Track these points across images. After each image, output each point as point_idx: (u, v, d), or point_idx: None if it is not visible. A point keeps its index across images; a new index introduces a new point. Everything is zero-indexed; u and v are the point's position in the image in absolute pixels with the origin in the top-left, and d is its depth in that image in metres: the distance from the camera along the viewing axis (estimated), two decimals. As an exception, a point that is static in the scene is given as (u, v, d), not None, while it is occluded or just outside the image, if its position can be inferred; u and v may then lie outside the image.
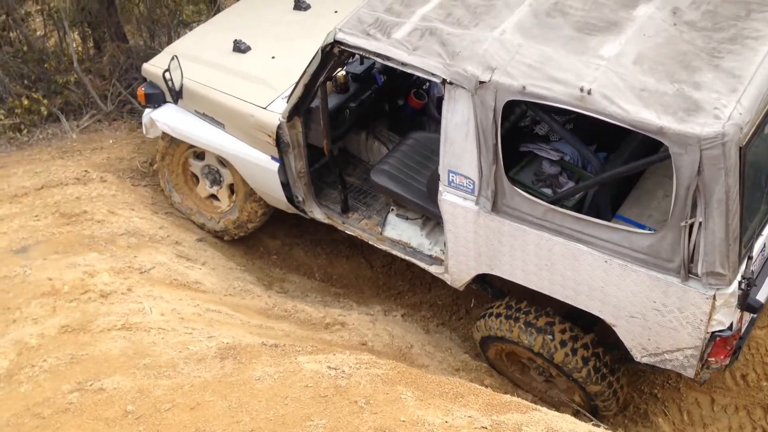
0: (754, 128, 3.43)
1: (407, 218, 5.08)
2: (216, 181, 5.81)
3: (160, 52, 8.42)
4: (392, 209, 5.16)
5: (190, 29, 9.92)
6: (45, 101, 7.36)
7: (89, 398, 3.59)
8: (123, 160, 6.31)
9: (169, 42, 9.24)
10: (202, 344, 4.17)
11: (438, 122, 5.60)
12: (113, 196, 5.71)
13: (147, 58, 7.95)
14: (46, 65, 7.93)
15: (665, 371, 4.71)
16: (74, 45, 7.74)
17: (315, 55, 4.51)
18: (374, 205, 5.39)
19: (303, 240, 6.22)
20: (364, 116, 5.40)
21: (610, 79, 3.61)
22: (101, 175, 5.92)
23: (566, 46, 3.85)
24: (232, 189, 5.74)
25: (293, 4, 6.09)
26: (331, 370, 3.62)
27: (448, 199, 4.31)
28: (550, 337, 4.43)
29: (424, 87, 5.70)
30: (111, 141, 6.66)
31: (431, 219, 4.98)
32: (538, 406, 3.36)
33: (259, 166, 5.22)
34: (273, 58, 5.48)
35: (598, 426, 3.57)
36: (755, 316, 4.21)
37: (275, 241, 6.15)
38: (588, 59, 3.74)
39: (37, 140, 7.07)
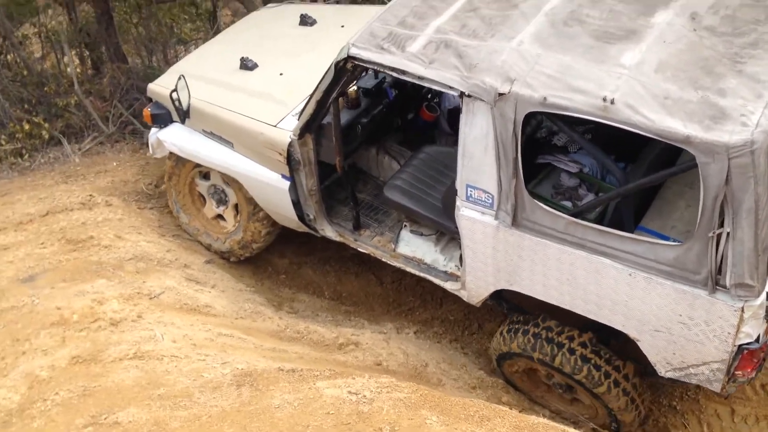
0: None
1: (421, 234, 5.00)
2: (222, 201, 5.74)
3: (158, 71, 8.43)
4: (405, 225, 5.08)
5: (189, 47, 9.94)
6: (46, 125, 7.30)
7: (104, 432, 3.52)
8: (128, 182, 6.25)
9: (166, 61, 9.22)
10: (217, 371, 4.09)
11: (449, 135, 5.56)
12: (119, 220, 5.65)
13: (147, 78, 7.92)
14: (45, 88, 7.89)
15: (684, 384, 4.65)
16: (74, 67, 7.67)
17: (327, 70, 4.44)
18: (386, 221, 5.31)
19: (311, 258, 6.16)
20: (374, 131, 5.32)
21: (632, 88, 3.55)
22: (106, 199, 5.86)
23: (586, 55, 3.79)
24: (237, 209, 5.67)
25: (298, 19, 6.04)
26: (351, 395, 3.54)
27: (467, 214, 4.23)
28: (569, 352, 4.35)
29: (435, 100, 5.64)
30: (115, 163, 6.60)
31: (445, 234, 4.91)
32: (566, 427, 3.28)
33: (270, 184, 5.14)
34: (281, 74, 5.43)
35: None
36: None
37: (283, 261, 6.08)
38: (609, 68, 3.68)
39: (40, 165, 7.01)
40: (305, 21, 6.01)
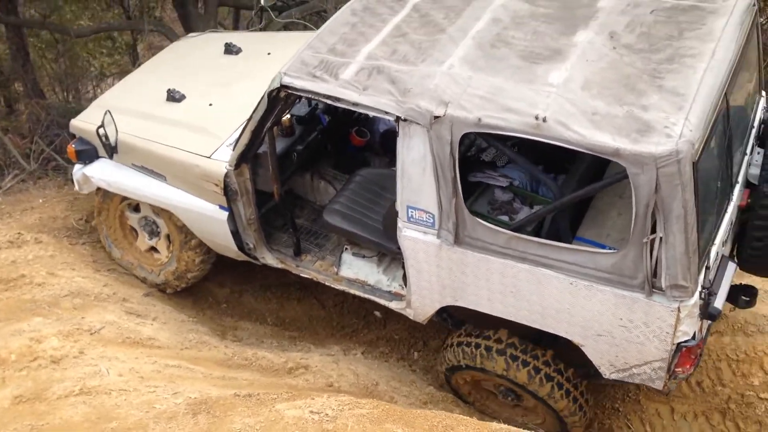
0: (703, 143, 3.54)
1: (363, 256, 5.04)
2: (153, 232, 5.66)
3: (78, 106, 8.26)
4: (346, 248, 5.11)
5: (107, 82, 9.78)
6: (-39, 165, 7.04)
7: (60, 470, 3.39)
8: (56, 219, 6.08)
9: (80, 96, 9.04)
10: (169, 401, 4.02)
11: (382, 157, 5.63)
12: (51, 257, 5.49)
13: (66, 114, 7.75)
14: (-42, 127, 7.61)
15: (624, 385, 4.78)
16: (-9, 104, 7.44)
17: (261, 100, 4.43)
18: (326, 245, 5.33)
19: (252, 286, 6.13)
20: (309, 157, 5.36)
21: (561, 106, 3.67)
22: (36, 236, 5.69)
23: (515, 75, 3.91)
24: (170, 239, 5.60)
25: (223, 48, 5.99)
26: (314, 414, 3.54)
27: (409, 234, 4.29)
28: (512, 359, 4.48)
29: (363, 124, 5.70)
30: (41, 200, 6.41)
31: (387, 255, 4.96)
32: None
33: (207, 216, 5.09)
34: (210, 105, 5.37)
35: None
36: (711, 323, 4.33)
37: (224, 290, 6.04)
38: (538, 87, 3.80)
39: (-41, 206, 6.73)
40: (230, 50, 5.97)
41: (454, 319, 4.92)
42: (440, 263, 4.28)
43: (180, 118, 5.28)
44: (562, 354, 4.56)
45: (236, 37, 6.25)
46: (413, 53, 4.16)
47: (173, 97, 5.45)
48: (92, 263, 5.66)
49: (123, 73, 9.49)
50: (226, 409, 3.78)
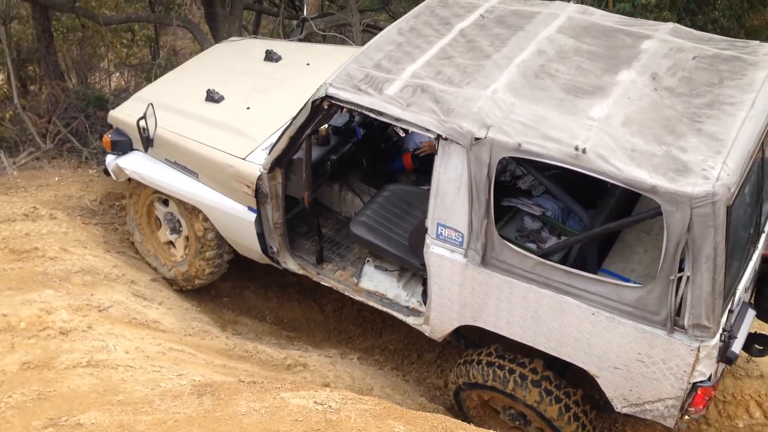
0: (738, 188, 3.62)
1: (385, 269, 5.07)
2: (176, 229, 5.70)
3: (97, 91, 8.37)
4: (368, 260, 5.14)
5: (124, 72, 9.91)
6: (-21, 138, 7.14)
7: (67, 433, 3.47)
8: (71, 197, 6.16)
9: (84, 82, 9.15)
10: (174, 381, 4.08)
11: (409, 175, 5.66)
12: (64, 233, 5.56)
13: (85, 98, 7.87)
14: (-22, 101, 7.71)
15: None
16: (14, 81, 7.54)
17: (302, 108, 4.52)
18: (348, 255, 5.36)
19: (254, 283, 6.20)
20: (340, 168, 5.40)
21: (602, 139, 3.76)
22: (50, 212, 5.75)
23: (557, 106, 3.99)
24: (188, 241, 5.64)
25: (263, 55, 6.08)
26: (318, 405, 3.62)
27: (436, 251, 4.33)
28: (546, 392, 4.45)
29: (394, 139, 5.79)
30: (56, 178, 6.50)
31: (408, 270, 5.00)
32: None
33: (235, 216, 5.14)
34: (248, 108, 5.43)
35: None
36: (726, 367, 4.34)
37: (226, 284, 6.10)
38: (580, 120, 3.88)
39: (-27, 177, 6.82)
40: (270, 57, 6.05)
41: (467, 339, 4.96)
42: (464, 282, 4.32)
43: (217, 119, 5.35)
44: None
45: (277, 45, 6.36)
46: (458, 76, 4.26)
47: (212, 97, 5.53)
48: (103, 244, 5.74)
49: (142, 65, 9.65)
50: (230, 393, 3.85)
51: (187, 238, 5.65)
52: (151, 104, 5.16)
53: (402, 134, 5.82)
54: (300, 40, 7.28)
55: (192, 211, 5.43)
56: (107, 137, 5.55)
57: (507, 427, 4.93)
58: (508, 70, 4.24)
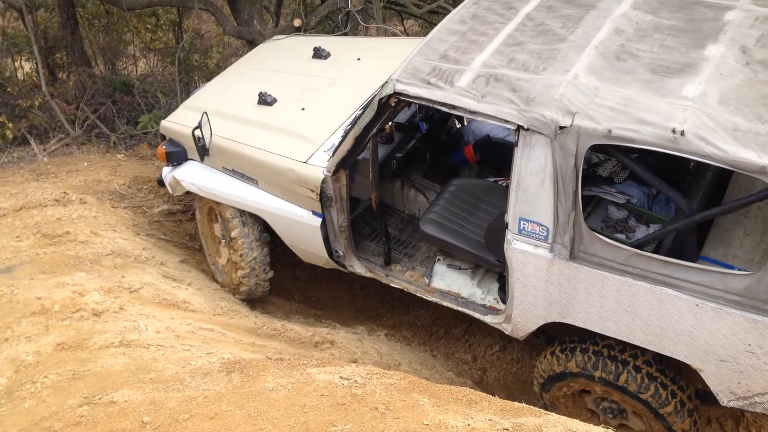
0: None
1: (459, 268, 4.95)
2: (223, 236, 5.65)
3: (124, 78, 8.48)
4: (439, 259, 5.02)
5: (150, 57, 9.99)
6: (10, 125, 7.28)
7: (101, 411, 3.57)
8: (100, 182, 6.28)
9: (111, 68, 9.24)
10: (204, 360, 4.18)
11: (472, 167, 5.52)
12: (95, 217, 5.69)
13: (111, 84, 7.98)
14: (8, 89, 7.86)
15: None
16: (42, 69, 7.67)
17: (368, 106, 4.39)
18: (416, 255, 5.24)
19: (281, 264, 6.26)
20: (403, 165, 5.23)
21: (700, 120, 3.52)
22: (80, 196, 5.89)
23: (646, 88, 3.76)
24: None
25: (311, 52, 5.91)
26: (343, 380, 3.68)
27: (519, 247, 4.13)
28: (662, 386, 4.27)
29: (453, 131, 5.67)
30: (86, 164, 6.63)
31: (481, 267, 4.89)
32: (548, 413, 3.48)
33: (299, 221, 5.03)
34: (303, 110, 5.28)
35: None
36: None
37: (254, 263, 6.18)
38: (673, 100, 3.64)
39: (4, 164, 6.98)
40: (319, 54, 5.88)
41: (547, 335, 4.81)
42: (550, 278, 4.13)
43: (273, 122, 5.22)
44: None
45: (323, 42, 6.16)
46: (533, 62, 4.05)
47: (265, 100, 5.38)
48: (132, 227, 5.86)
49: (167, 49, 9.73)
50: (258, 370, 3.93)
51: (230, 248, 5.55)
52: (206, 113, 5.05)
53: (458, 125, 5.69)
54: (345, 34, 7.16)
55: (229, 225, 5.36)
56: (161, 149, 5.47)
57: (597, 421, 4.74)
58: (587, 52, 4.00)
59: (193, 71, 9.80)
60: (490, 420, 3.26)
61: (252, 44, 7.86)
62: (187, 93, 7.64)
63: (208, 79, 9.46)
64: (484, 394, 3.71)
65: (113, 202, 6.11)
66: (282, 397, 3.58)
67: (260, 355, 4.42)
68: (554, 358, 4.52)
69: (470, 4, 4.69)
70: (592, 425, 3.31)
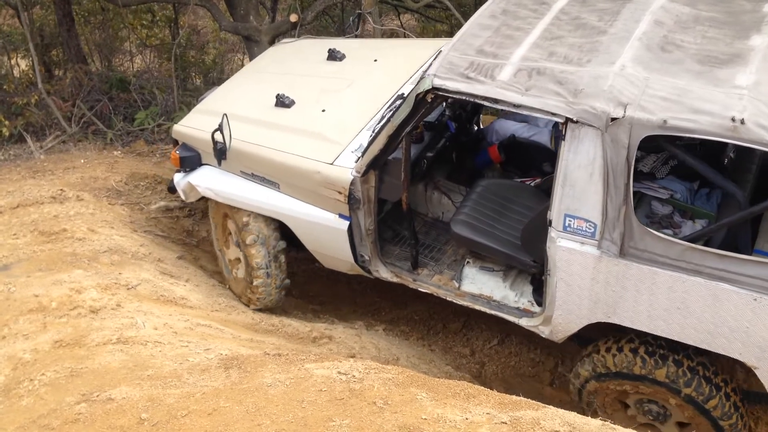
0: None
1: (492, 270, 4.82)
2: (238, 243, 5.53)
3: (120, 75, 8.47)
4: (468, 262, 4.90)
5: (145, 53, 9.98)
6: (6, 122, 7.28)
7: (99, 408, 3.57)
8: (97, 179, 6.28)
9: (107, 65, 9.23)
10: (201, 356, 4.18)
11: (496, 168, 5.42)
12: (91, 214, 5.69)
13: (108, 81, 7.97)
14: (4, 87, 7.86)
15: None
16: (38, 66, 7.66)
17: (404, 103, 4.28)
18: (443, 258, 5.09)
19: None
20: (428, 167, 5.07)
21: (758, 108, 3.46)
22: (77, 194, 5.89)
23: (697, 78, 3.70)
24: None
25: (325, 54, 5.82)
26: (341, 375, 3.68)
27: (564, 245, 4.00)
28: (716, 388, 4.16)
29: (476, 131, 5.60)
30: (82, 161, 6.62)
31: (513, 269, 4.79)
32: (546, 406, 3.49)
33: (324, 225, 4.87)
34: (323, 111, 5.15)
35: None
36: None
37: (252, 259, 6.17)
38: (727, 90, 3.58)
39: (0, 161, 6.98)
40: (334, 56, 5.78)
41: (582, 338, 4.62)
42: (596, 276, 4.00)
43: (293, 124, 5.09)
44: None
45: (336, 43, 6.08)
46: (575, 54, 3.98)
47: (283, 102, 5.26)
48: (129, 223, 5.86)
49: (163, 46, 9.72)
50: (256, 366, 3.93)
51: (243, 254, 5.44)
52: (225, 115, 4.92)
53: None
54: (356, 36, 7.07)
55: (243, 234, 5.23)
56: (175, 154, 5.34)
57: (632, 424, 4.56)
58: (630, 44, 3.94)
59: (190, 67, 9.81)
60: (488, 414, 3.27)
61: (248, 40, 7.86)
62: (184, 89, 7.66)
63: (205, 76, 9.46)
64: (482, 387, 3.70)
65: (110, 199, 6.10)
66: (280, 393, 3.58)
67: (258, 350, 4.42)
68: (599, 357, 4.36)
69: (499, 0, 4.63)
70: (590, 418, 3.30)
